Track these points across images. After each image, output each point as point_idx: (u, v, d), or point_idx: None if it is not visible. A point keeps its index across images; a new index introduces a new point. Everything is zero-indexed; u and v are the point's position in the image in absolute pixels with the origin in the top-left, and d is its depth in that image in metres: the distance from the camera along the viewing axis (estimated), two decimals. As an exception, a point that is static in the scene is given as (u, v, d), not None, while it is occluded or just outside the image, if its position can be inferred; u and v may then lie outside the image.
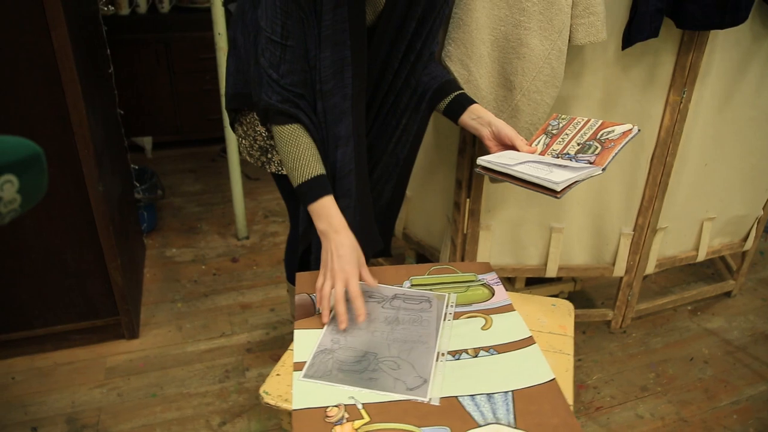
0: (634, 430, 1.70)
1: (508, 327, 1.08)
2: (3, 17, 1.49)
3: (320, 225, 1.14)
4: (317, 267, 1.14)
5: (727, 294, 2.36)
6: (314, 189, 1.13)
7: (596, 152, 1.16)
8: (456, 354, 1.00)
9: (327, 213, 1.13)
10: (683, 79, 1.70)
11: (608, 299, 2.26)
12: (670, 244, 2.07)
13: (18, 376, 1.84)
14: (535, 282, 2.15)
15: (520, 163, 1.13)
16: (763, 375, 1.93)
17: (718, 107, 1.84)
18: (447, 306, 1.13)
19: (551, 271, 1.96)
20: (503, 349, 1.02)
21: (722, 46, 1.72)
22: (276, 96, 1.13)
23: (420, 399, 0.90)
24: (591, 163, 1.15)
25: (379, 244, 1.36)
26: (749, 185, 2.08)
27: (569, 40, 1.47)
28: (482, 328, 1.08)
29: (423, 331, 1.05)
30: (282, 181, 1.41)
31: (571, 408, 0.90)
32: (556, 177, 1.06)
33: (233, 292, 2.25)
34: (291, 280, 1.58)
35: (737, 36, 1.72)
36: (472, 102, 1.32)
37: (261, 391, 0.93)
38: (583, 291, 2.32)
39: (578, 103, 1.70)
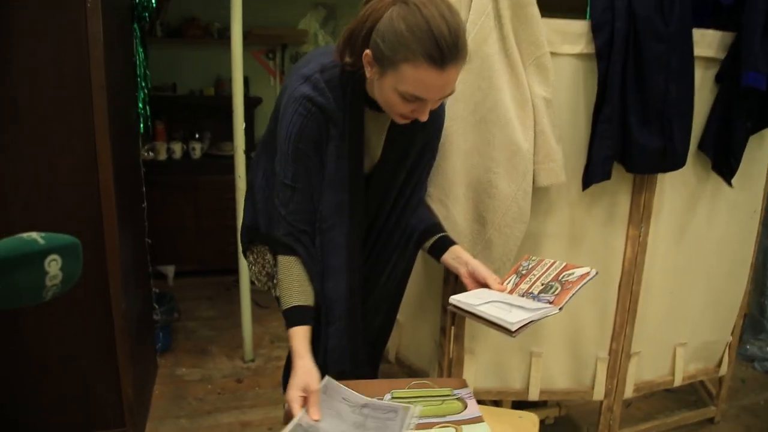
0: None
1: (476, 437, 1.10)
2: (63, 158, 1.69)
3: (291, 347, 1.21)
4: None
5: (710, 420, 2.30)
6: (290, 318, 1.22)
7: (556, 293, 1.24)
8: (426, 460, 1.02)
9: (293, 341, 1.20)
10: (639, 216, 1.81)
11: (593, 425, 2.20)
12: (646, 369, 2.07)
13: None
14: (520, 407, 2.12)
15: (486, 303, 1.21)
16: (747, 502, 1.85)
17: (675, 240, 1.93)
18: (410, 417, 1.15)
19: (533, 395, 1.95)
20: (470, 457, 1.04)
21: (671, 188, 1.85)
22: (282, 230, 1.24)
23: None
24: (550, 302, 1.22)
25: (365, 367, 1.40)
26: (716, 312, 2.12)
27: (534, 183, 1.61)
28: (453, 438, 1.10)
29: None
30: None
31: None
32: (513, 318, 1.14)
33: (235, 411, 2.24)
34: None
35: (683, 179, 1.85)
36: (453, 243, 1.40)
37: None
38: (568, 416, 2.28)
39: (548, 238, 1.79)
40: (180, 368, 2.58)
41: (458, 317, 1.81)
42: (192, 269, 3.74)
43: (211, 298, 3.45)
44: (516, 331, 1.12)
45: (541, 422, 2.21)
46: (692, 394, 2.47)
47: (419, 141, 1.36)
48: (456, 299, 1.24)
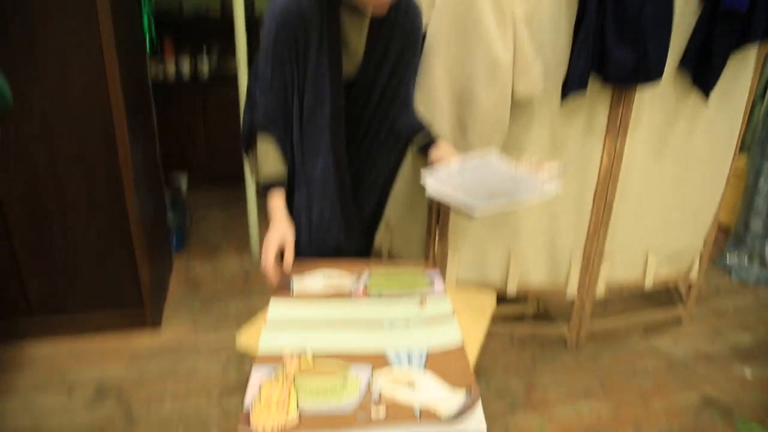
0: (571, 422, 1.87)
1: (437, 306, 1.30)
2: (75, 74, 1.86)
3: (268, 212, 1.42)
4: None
5: (678, 320, 2.52)
6: (268, 182, 1.43)
7: None
8: (392, 324, 1.23)
9: (273, 201, 1.42)
10: (616, 129, 1.94)
11: (568, 320, 2.44)
12: (618, 271, 2.26)
13: (60, 353, 2.12)
14: (502, 302, 2.34)
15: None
16: (696, 386, 2.08)
17: (653, 154, 2.07)
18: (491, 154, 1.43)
19: (511, 289, 2.17)
20: (429, 321, 1.24)
21: (649, 103, 1.96)
22: (260, 114, 1.45)
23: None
24: None
25: (361, 239, 1.61)
26: (689, 221, 2.27)
27: (513, 93, 1.74)
28: (418, 307, 1.30)
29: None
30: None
31: (472, 367, 1.12)
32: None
33: (243, 299, 2.52)
34: None
35: (662, 96, 1.96)
36: (439, 141, 1.56)
37: (236, 339, 1.17)
38: (546, 312, 2.51)
39: (529, 148, 1.94)
40: (193, 265, 2.85)
41: (443, 216, 2.01)
42: (203, 179, 3.96)
43: (221, 204, 3.69)
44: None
45: (520, 318, 2.46)
46: (667, 298, 2.68)
47: (397, 39, 1.48)
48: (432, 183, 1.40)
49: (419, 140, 1.56)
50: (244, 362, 2.09)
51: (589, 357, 2.24)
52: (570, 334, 2.30)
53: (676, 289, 2.67)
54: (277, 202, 1.42)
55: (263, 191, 1.43)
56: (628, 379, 2.11)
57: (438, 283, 1.42)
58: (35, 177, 1.94)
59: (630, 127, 1.96)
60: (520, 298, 2.45)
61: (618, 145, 1.97)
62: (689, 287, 2.49)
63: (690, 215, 2.27)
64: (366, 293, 1.35)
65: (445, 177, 1.39)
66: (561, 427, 1.85)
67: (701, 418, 1.91)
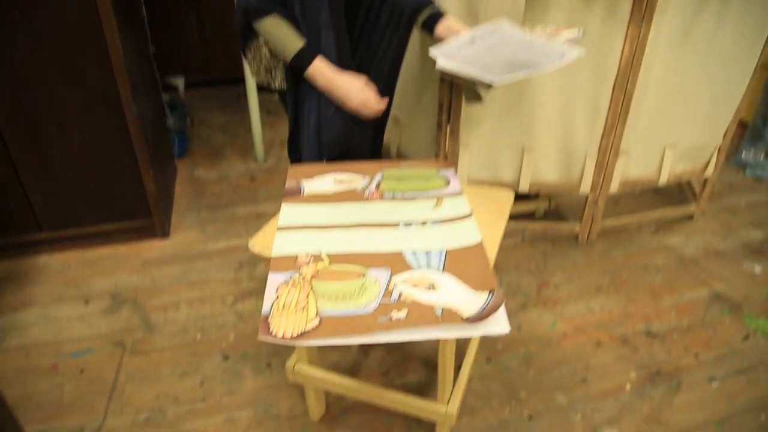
0: (583, 318, 1.89)
1: (453, 206, 1.26)
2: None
3: (320, 82, 1.35)
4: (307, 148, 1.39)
5: (690, 217, 2.49)
6: (304, 56, 1.34)
7: None
8: (408, 224, 1.19)
9: (321, 70, 1.34)
10: (641, 15, 1.80)
11: (580, 217, 2.41)
12: (633, 166, 2.20)
13: (72, 265, 2.12)
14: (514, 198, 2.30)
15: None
16: (706, 282, 2.08)
17: (679, 43, 1.94)
18: (507, 24, 1.38)
19: (523, 186, 2.12)
20: (447, 222, 1.21)
21: (678, -14, 1.81)
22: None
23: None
24: None
25: (369, 129, 1.55)
26: (709, 115, 2.18)
27: (531, -25, 1.60)
28: (434, 207, 1.26)
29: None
30: (284, 94, 1.60)
31: (491, 264, 1.09)
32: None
33: (250, 204, 2.49)
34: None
35: (694, -25, 1.81)
36: (445, 15, 1.45)
37: (249, 243, 1.14)
38: (558, 209, 2.48)
39: (545, 35, 1.82)
40: (197, 170, 2.80)
41: (454, 111, 1.92)
42: (201, 80, 3.81)
43: (221, 107, 3.58)
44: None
45: (532, 215, 2.43)
46: (679, 194, 2.64)
47: None
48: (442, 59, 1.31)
49: (424, 14, 1.45)
50: (255, 267, 2.09)
51: (600, 254, 2.23)
52: (582, 231, 2.28)
53: (689, 185, 2.62)
54: (323, 62, 1.35)
55: (300, 66, 1.35)
56: (638, 275, 2.11)
57: (454, 183, 1.37)
58: (25, 87, 1.83)
59: (656, 12, 1.82)
60: (531, 195, 2.41)
61: (642, 33, 1.84)
62: (703, 183, 2.43)
63: (711, 109, 2.17)
64: (379, 194, 1.31)
65: (455, 49, 1.29)
66: (573, 323, 1.87)
67: (710, 313, 1.93)
